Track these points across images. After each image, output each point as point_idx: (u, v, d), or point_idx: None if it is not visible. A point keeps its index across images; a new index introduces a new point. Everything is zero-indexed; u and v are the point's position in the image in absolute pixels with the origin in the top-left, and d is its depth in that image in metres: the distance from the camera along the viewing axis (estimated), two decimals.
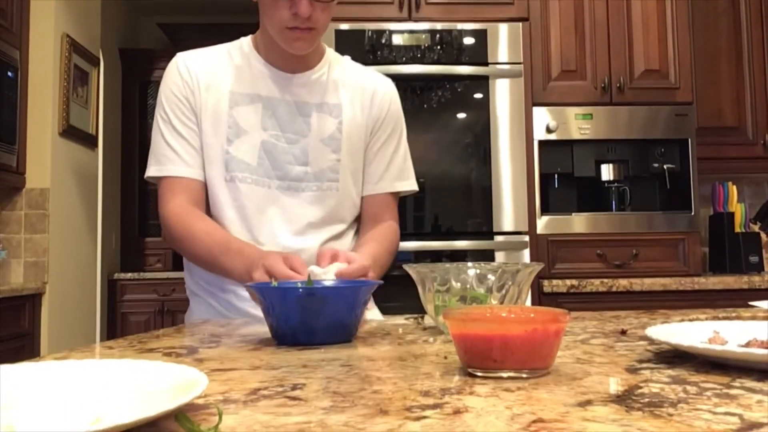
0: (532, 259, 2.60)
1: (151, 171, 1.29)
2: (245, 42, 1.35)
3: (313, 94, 1.32)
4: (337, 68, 1.37)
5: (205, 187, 1.29)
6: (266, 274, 1.03)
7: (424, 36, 2.68)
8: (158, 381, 0.54)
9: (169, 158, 1.27)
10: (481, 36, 2.69)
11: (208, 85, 1.29)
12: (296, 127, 1.30)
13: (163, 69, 1.37)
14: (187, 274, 1.39)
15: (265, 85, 1.30)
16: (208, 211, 1.30)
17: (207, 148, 1.28)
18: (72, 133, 3.53)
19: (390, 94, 1.40)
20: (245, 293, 1.19)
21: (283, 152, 1.29)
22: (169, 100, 1.29)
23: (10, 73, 3.04)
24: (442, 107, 2.67)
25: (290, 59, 1.29)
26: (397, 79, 1.54)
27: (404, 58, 2.65)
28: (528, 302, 2.45)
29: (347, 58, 1.43)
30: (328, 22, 1.24)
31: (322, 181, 1.31)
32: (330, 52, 1.38)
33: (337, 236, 1.34)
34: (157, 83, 6.13)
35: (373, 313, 1.38)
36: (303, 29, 1.20)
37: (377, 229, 1.36)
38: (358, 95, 1.36)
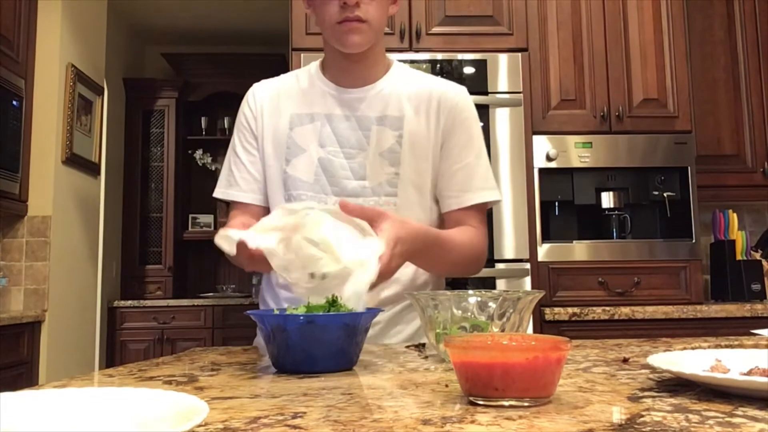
0: (533, 287, 2.60)
1: (216, 192, 1.39)
2: (313, 65, 1.37)
3: (374, 108, 1.30)
4: (404, 80, 1.34)
5: (263, 209, 1.32)
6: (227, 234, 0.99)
7: (425, 66, 2.71)
8: (158, 409, 0.54)
9: (229, 183, 1.36)
10: (481, 66, 2.72)
11: (271, 111, 1.34)
12: (355, 142, 1.29)
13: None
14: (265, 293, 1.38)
15: (325, 103, 1.31)
16: None
17: (268, 170, 1.33)
18: (75, 161, 3.55)
19: (457, 100, 1.34)
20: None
21: (340, 167, 1.28)
22: (237, 128, 1.38)
23: (15, 102, 3.07)
24: None
25: (352, 74, 1.30)
26: None
27: None
28: (529, 330, 2.44)
29: (418, 71, 1.39)
30: (380, 18, 1.24)
31: (379, 195, 1.27)
32: (398, 66, 1.37)
33: None
34: (161, 112, 6.13)
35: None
36: (353, 20, 1.19)
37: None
38: (424, 105, 1.31)
